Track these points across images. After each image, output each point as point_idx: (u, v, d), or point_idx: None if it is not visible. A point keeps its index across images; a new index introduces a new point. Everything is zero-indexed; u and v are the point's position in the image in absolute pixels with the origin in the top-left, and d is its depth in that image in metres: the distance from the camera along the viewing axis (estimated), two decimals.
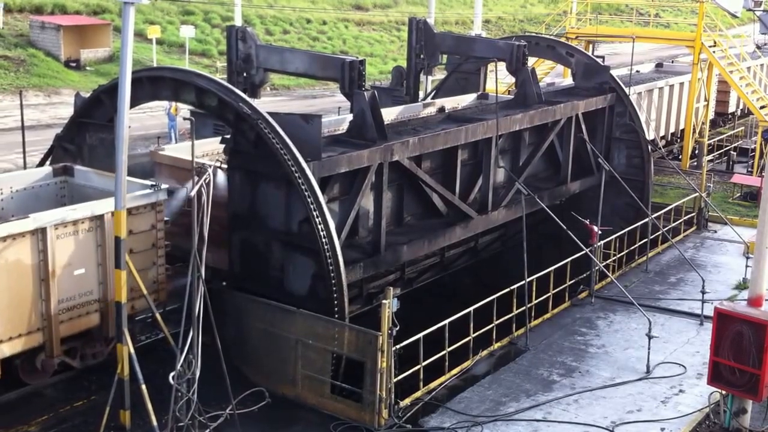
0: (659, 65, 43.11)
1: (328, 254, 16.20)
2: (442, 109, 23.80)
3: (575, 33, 40.54)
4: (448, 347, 17.56)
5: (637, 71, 30.15)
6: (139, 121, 37.23)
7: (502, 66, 25.06)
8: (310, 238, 16.29)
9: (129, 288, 15.88)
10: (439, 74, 36.27)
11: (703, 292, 21.50)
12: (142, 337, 18.34)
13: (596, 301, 22.25)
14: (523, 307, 19.73)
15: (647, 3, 64.04)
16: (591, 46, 40.99)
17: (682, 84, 37.65)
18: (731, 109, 44.00)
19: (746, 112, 45.79)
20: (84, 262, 15.76)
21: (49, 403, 16.08)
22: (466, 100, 25.68)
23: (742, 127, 43.91)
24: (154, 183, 16.67)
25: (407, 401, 16.59)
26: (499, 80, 22.27)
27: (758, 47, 46.62)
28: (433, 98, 27.28)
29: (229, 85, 17.91)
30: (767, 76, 44.13)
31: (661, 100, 36.11)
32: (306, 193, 16.15)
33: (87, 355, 16.50)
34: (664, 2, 72.16)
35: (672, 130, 37.88)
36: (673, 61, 46.43)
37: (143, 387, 14.57)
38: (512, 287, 19.55)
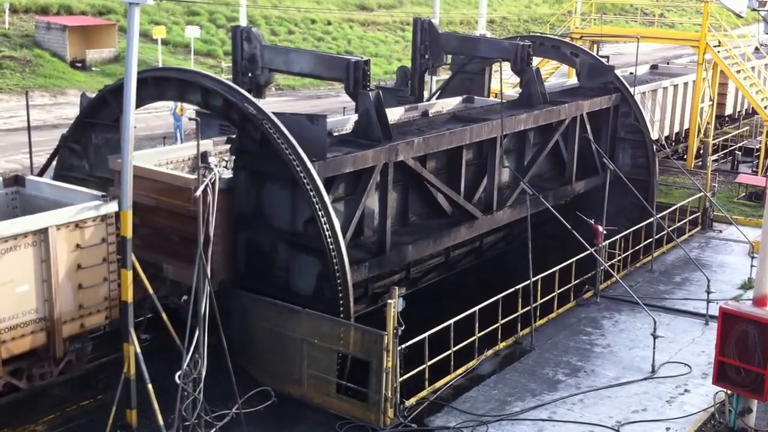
0: (654, 67, 42.86)
1: (333, 254, 16.22)
2: (425, 113, 23.59)
3: (580, 33, 40.50)
4: (454, 347, 17.58)
5: (631, 73, 30.11)
6: (145, 121, 37.29)
7: (506, 66, 25.06)
8: (316, 238, 16.31)
9: (77, 305, 15.37)
10: (444, 74, 36.27)
11: (708, 292, 21.49)
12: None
13: (601, 300, 22.25)
14: (529, 307, 19.74)
15: (652, 3, 64.00)
16: (595, 46, 40.95)
17: (685, 84, 37.53)
18: (728, 111, 43.50)
19: (743, 114, 45.41)
20: (27, 278, 14.84)
21: (56, 402, 16.11)
22: (451, 103, 25.51)
23: (747, 127, 43.82)
24: (104, 194, 15.90)
25: (413, 401, 16.60)
26: (504, 80, 22.27)
27: (758, 47, 46.36)
28: (437, 98, 27.27)
29: (235, 86, 17.94)
30: None
31: (655, 101, 35.89)
32: (311, 193, 16.17)
33: (35, 376, 15.64)
34: (669, 2, 72.08)
35: (666, 132, 37.61)
36: (668, 63, 46.21)
37: (149, 386, 14.61)
38: (517, 287, 19.57)
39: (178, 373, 14.34)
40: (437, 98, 27.26)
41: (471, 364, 18.27)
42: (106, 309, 15.97)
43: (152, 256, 17.04)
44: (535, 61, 27.01)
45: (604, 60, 28.00)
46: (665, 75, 39.21)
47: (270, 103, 22.62)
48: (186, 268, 16.34)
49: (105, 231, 15.74)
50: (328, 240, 16.19)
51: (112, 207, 15.70)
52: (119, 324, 16.11)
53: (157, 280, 16.94)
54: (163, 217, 17.07)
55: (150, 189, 17.12)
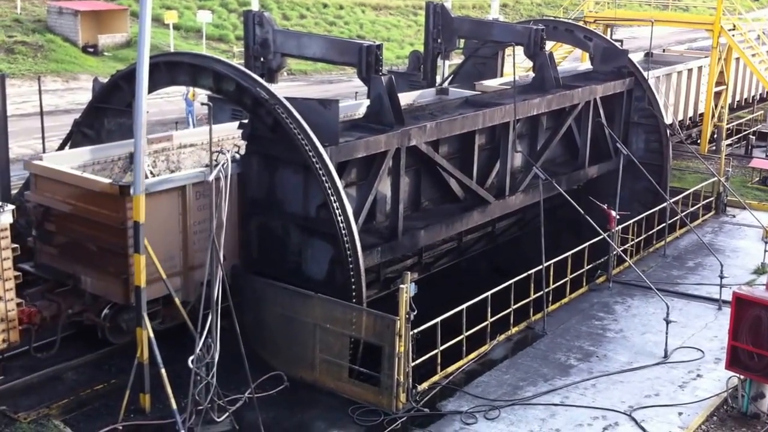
0: (649, 54, 42.36)
1: (345, 239, 16.22)
2: None
3: (593, 17, 40.30)
4: (466, 332, 17.58)
5: None
6: (157, 106, 37.31)
7: (519, 50, 24.94)
8: (328, 223, 16.31)
9: None
10: (457, 59, 36.16)
11: (722, 277, 21.41)
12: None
13: (614, 285, 22.20)
14: (541, 292, 19.72)
15: None
16: (609, 30, 40.71)
17: (699, 68, 37.21)
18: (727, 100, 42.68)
19: (753, 101, 44.91)
20: None
21: (69, 386, 16.20)
22: (425, 95, 25.16)
23: (761, 111, 43.50)
24: None
25: (425, 385, 16.63)
26: (516, 65, 22.15)
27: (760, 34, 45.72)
28: (450, 83, 27.17)
29: (247, 70, 17.91)
30: None
31: (669, 86, 35.52)
32: (323, 178, 16.16)
33: None
34: None
35: (681, 116, 37.22)
36: (664, 50, 45.67)
37: (163, 371, 14.67)
38: (530, 272, 19.54)
39: (191, 358, 14.40)
40: (450, 83, 27.16)
41: (483, 349, 18.28)
42: (2, 331, 14.26)
43: (69, 267, 16.34)
44: (549, 45, 26.88)
45: (617, 44, 27.83)
46: (660, 63, 38.73)
47: (282, 88, 22.46)
48: (106, 280, 15.71)
49: None
50: (341, 225, 16.19)
51: (5, 218, 14.02)
52: (26, 346, 15.50)
53: (74, 294, 16.23)
54: (81, 225, 15.96)
55: (67, 194, 16.15)
